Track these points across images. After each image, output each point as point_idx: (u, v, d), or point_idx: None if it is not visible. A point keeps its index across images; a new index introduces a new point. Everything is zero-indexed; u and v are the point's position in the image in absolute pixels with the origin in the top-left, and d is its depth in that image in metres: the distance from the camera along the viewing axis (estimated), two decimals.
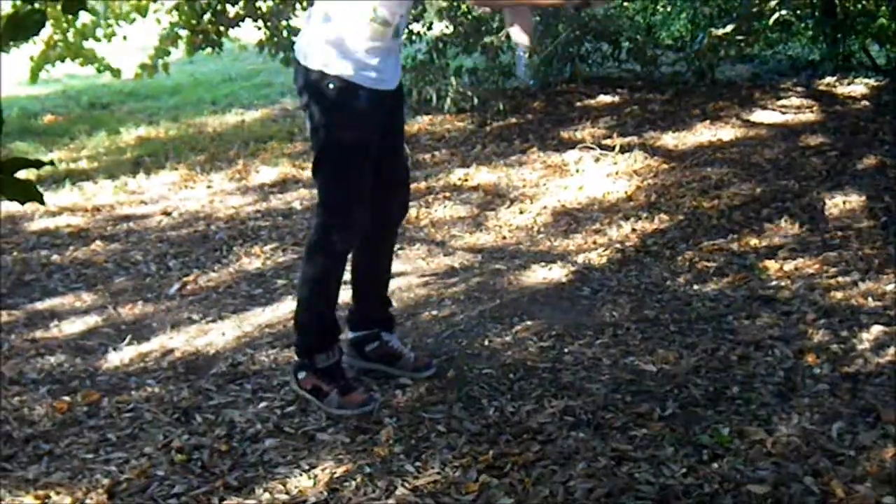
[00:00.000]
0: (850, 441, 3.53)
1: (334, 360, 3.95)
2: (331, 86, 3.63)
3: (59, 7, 2.02)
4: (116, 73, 10.02)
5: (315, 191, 3.89)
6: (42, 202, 1.73)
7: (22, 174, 1.70)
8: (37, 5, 1.80)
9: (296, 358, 4.04)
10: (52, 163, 2.84)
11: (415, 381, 4.06)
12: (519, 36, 3.76)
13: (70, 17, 10.05)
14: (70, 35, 9.74)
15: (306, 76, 3.69)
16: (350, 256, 4.01)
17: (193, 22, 9.24)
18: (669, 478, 3.33)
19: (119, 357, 4.55)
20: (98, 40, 10.20)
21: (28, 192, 1.71)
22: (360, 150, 3.71)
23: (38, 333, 4.88)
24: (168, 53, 9.57)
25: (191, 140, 9.14)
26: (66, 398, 4.10)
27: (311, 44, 3.69)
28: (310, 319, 3.97)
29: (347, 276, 3.99)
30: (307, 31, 3.78)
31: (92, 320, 5.05)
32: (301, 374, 3.96)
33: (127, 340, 4.72)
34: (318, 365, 3.93)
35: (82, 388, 4.21)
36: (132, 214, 6.89)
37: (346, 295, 4.10)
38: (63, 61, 9.83)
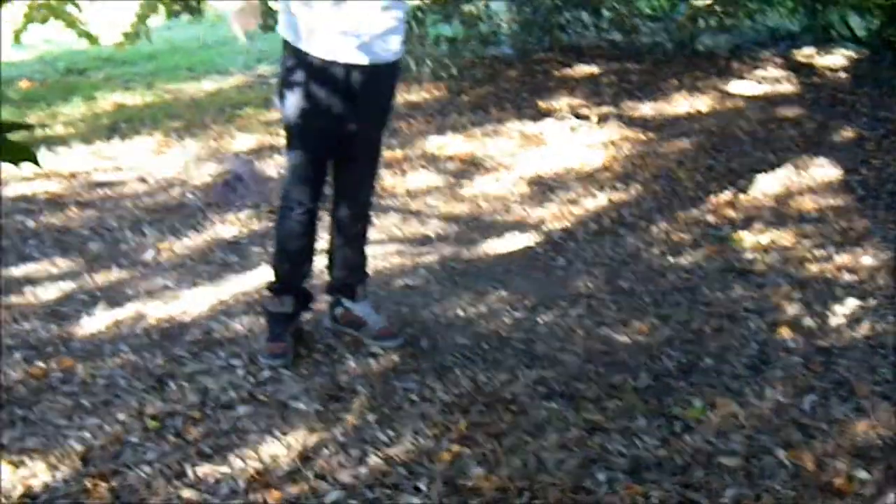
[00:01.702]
0: (822, 414, 3.57)
1: (278, 309, 4.14)
2: (284, 50, 3.84)
3: None
4: (94, 39, 9.93)
5: None
6: (37, 163, 1.71)
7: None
8: None
9: None
10: (33, 126, 2.83)
11: (386, 351, 4.08)
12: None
13: None
14: None
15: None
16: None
17: None
18: (642, 449, 3.36)
19: (93, 323, 4.54)
20: (77, 6, 10.11)
21: (23, 153, 1.69)
22: (300, 117, 3.84)
23: (13, 299, 4.86)
24: (148, 19, 9.49)
25: (167, 106, 9.07)
26: (41, 364, 4.10)
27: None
28: (273, 262, 4.25)
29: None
30: None
31: (67, 286, 5.03)
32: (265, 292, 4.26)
33: (101, 307, 4.70)
34: (266, 306, 4.22)
35: (57, 355, 4.21)
36: (108, 181, 6.84)
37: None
38: (45, 22, 9.74)
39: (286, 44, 3.79)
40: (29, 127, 1.73)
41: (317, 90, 3.75)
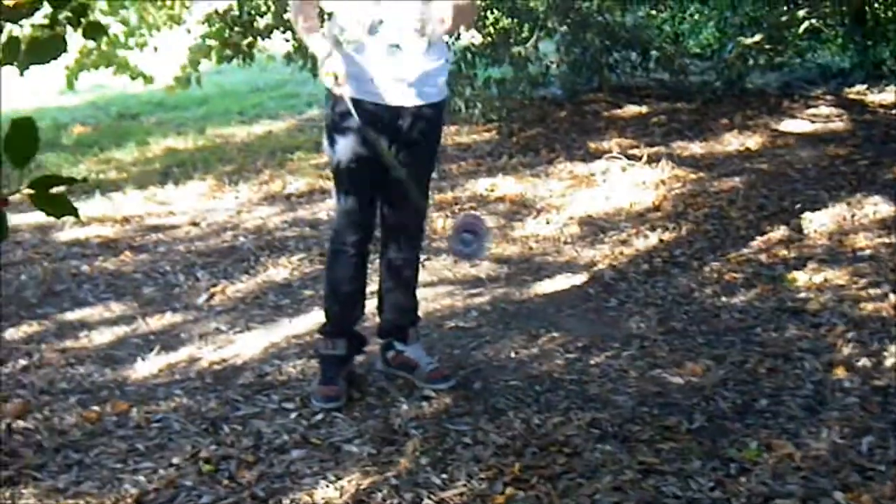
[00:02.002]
0: (880, 456, 3.50)
1: (330, 351, 4.14)
2: (329, 99, 3.90)
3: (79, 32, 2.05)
4: (149, 79, 10.06)
5: None
6: (77, 216, 1.74)
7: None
8: (58, 30, 1.82)
9: None
10: (84, 179, 2.87)
11: (438, 393, 4.06)
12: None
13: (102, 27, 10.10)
14: (103, 44, 9.79)
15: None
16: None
17: (225, 34, 9.27)
18: (697, 491, 3.31)
19: (147, 367, 4.56)
20: (130, 48, 10.25)
21: (64, 207, 1.72)
22: (350, 161, 3.87)
23: (68, 343, 4.91)
24: (198, 64, 9.61)
25: (218, 151, 9.17)
26: (96, 408, 4.11)
27: None
28: (324, 305, 4.27)
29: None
30: None
31: (121, 330, 5.07)
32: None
33: (155, 351, 4.73)
34: (318, 349, 4.23)
35: (111, 398, 4.22)
36: (161, 225, 6.91)
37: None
38: (97, 68, 9.88)
39: (331, 90, 3.82)
40: (72, 181, 1.75)
41: (366, 134, 3.78)
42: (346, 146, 3.84)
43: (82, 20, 1.94)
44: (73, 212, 1.72)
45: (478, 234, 3.89)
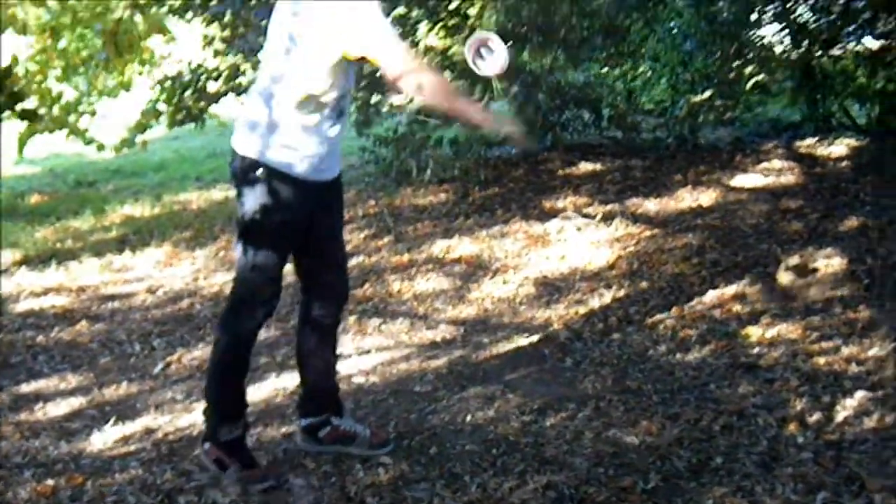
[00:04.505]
0: None
1: (236, 435, 3.99)
2: (264, 173, 3.71)
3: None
4: (101, 146, 10.07)
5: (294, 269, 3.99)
6: None
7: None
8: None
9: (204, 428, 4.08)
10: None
11: (394, 459, 4.06)
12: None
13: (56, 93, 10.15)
14: (55, 109, 9.80)
15: (241, 161, 3.76)
16: (296, 345, 4.19)
17: (175, 99, 9.31)
18: None
19: (103, 439, 4.55)
20: (81, 114, 10.28)
21: None
22: (283, 235, 3.81)
23: (23, 416, 4.88)
24: (146, 128, 9.65)
25: (175, 217, 9.17)
26: (50, 482, 4.10)
27: (246, 130, 3.77)
28: (216, 393, 4.04)
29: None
30: (243, 116, 3.84)
31: (77, 402, 5.05)
32: (206, 445, 4.02)
33: (111, 422, 4.71)
34: (221, 438, 3.98)
35: (66, 472, 4.21)
36: (117, 293, 6.90)
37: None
38: (51, 132, 9.89)
39: (271, 172, 3.70)
40: None
41: (310, 208, 3.82)
42: (277, 219, 3.77)
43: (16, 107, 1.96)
44: None
45: (492, 48, 3.82)
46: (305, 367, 4.20)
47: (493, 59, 3.70)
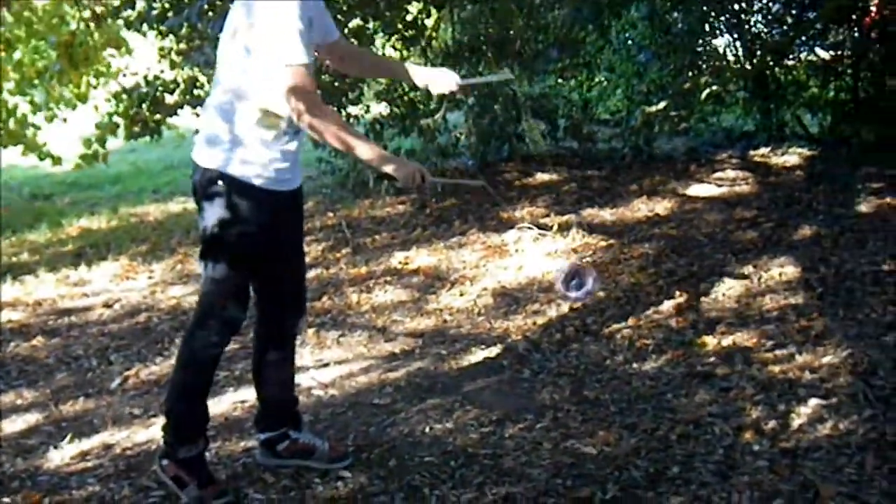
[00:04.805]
0: None
1: (196, 452, 3.96)
2: (225, 185, 3.68)
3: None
4: (57, 160, 10.03)
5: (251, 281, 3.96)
6: None
7: None
8: None
9: (162, 444, 4.04)
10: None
11: (353, 473, 4.07)
12: None
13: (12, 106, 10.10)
14: (11, 123, 9.77)
15: (202, 174, 3.74)
16: (252, 361, 4.18)
17: (131, 111, 9.27)
18: None
19: (60, 455, 4.52)
20: (38, 128, 10.23)
21: None
22: (245, 247, 3.78)
23: None
24: (104, 141, 9.61)
25: (132, 230, 9.13)
26: (6, 500, 4.06)
27: (205, 144, 3.75)
28: (177, 410, 3.99)
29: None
30: (202, 130, 3.82)
31: (33, 418, 5.02)
32: (164, 462, 3.99)
33: (68, 438, 4.68)
34: (179, 455, 3.95)
35: (23, 489, 4.18)
36: (74, 308, 6.86)
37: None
38: (6, 147, 9.85)
39: (231, 183, 3.68)
40: None
41: (272, 220, 3.80)
42: (239, 231, 3.75)
43: None
44: None
45: (584, 279, 3.83)
46: (263, 381, 4.18)
47: (584, 291, 3.78)
